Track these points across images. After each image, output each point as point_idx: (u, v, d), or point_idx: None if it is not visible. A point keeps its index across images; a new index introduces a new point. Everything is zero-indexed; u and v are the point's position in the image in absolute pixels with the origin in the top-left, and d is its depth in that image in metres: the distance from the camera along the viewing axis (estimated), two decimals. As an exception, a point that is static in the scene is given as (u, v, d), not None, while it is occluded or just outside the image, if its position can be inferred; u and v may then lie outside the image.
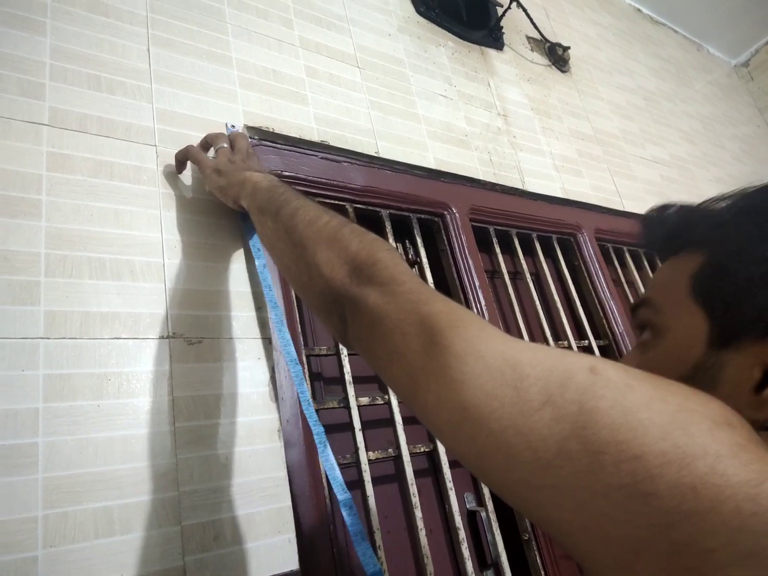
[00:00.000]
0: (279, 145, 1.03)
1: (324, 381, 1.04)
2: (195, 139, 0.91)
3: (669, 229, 0.50)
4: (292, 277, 0.63)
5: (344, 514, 0.72)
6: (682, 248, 0.47)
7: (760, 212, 0.43)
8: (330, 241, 0.56)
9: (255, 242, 0.88)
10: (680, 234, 0.48)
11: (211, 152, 0.88)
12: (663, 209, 0.51)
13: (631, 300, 1.67)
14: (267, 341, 0.85)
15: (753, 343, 0.39)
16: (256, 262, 0.86)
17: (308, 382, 0.92)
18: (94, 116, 0.84)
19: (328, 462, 0.76)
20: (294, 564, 0.74)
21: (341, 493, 0.73)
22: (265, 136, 1.02)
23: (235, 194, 0.78)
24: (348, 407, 0.95)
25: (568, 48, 1.90)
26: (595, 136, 1.84)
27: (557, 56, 1.88)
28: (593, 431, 0.30)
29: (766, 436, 0.33)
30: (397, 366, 0.44)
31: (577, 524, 0.31)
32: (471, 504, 1.10)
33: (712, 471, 0.27)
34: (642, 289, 1.72)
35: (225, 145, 0.86)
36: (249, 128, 1.00)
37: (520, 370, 0.35)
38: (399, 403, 1.03)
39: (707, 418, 0.30)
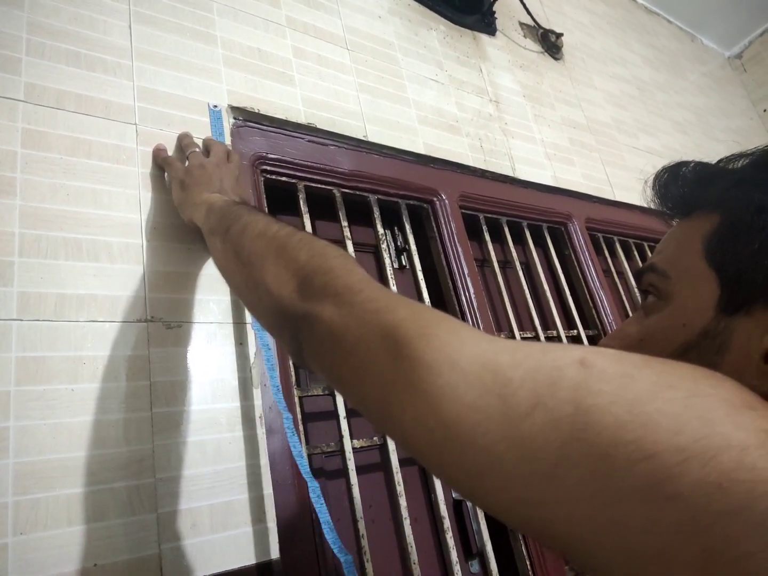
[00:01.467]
0: (264, 127, 1.01)
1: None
2: (177, 118, 0.89)
3: (683, 187, 0.46)
4: (244, 299, 0.59)
5: (313, 502, 0.71)
6: (697, 208, 0.44)
7: None
8: (277, 254, 0.51)
9: None
10: (695, 192, 0.45)
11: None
12: (678, 167, 0.47)
13: (621, 290, 1.66)
14: (249, 326, 0.83)
15: (765, 310, 0.36)
16: None
17: (292, 368, 0.90)
18: (73, 93, 0.82)
19: (296, 449, 0.75)
20: (274, 553, 0.73)
21: (311, 481, 0.72)
22: (250, 117, 1.00)
23: (189, 215, 0.75)
24: (333, 394, 0.93)
25: (561, 35, 1.88)
26: (588, 124, 1.83)
27: (550, 43, 1.85)
28: (595, 432, 0.27)
29: None
30: (367, 384, 0.39)
31: (589, 538, 0.27)
32: (457, 493, 1.09)
33: (739, 465, 0.24)
34: (632, 280, 1.71)
35: (197, 150, 0.83)
36: (233, 108, 0.97)
37: (502, 375, 0.32)
38: (385, 390, 1.01)
39: (724, 401, 0.27)
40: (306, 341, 0.46)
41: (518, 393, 0.30)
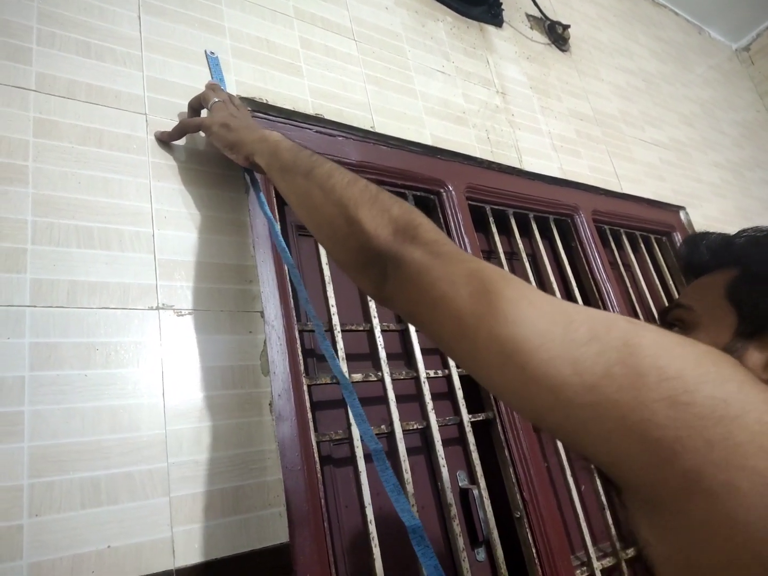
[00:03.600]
0: (273, 117, 1.02)
1: (317, 357, 1.03)
2: (185, 108, 0.89)
3: (711, 249, 0.58)
4: (325, 232, 0.65)
5: (377, 465, 0.66)
6: (720, 266, 0.55)
7: None
8: (372, 203, 0.60)
9: (267, 209, 0.86)
10: (721, 252, 0.57)
11: (204, 112, 0.87)
12: (706, 234, 0.60)
13: (627, 282, 1.66)
14: (258, 315, 0.84)
15: None
16: (274, 229, 0.85)
17: (301, 357, 0.91)
18: (83, 83, 0.82)
19: (355, 409, 0.72)
20: (284, 537, 0.73)
21: (372, 444, 0.67)
22: (259, 108, 1.00)
23: (250, 151, 0.78)
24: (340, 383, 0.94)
25: (568, 27, 1.87)
26: (594, 116, 1.82)
27: (557, 35, 1.85)
28: (638, 359, 0.37)
29: None
30: (442, 311, 0.48)
31: (618, 432, 0.36)
32: (463, 482, 1.10)
33: (738, 390, 0.35)
34: (638, 272, 1.71)
35: (217, 99, 0.84)
36: (242, 99, 0.98)
37: (567, 315, 0.42)
38: (392, 380, 1.02)
39: (730, 360, 0.39)
40: (393, 275, 0.55)
41: (579, 329, 0.40)
